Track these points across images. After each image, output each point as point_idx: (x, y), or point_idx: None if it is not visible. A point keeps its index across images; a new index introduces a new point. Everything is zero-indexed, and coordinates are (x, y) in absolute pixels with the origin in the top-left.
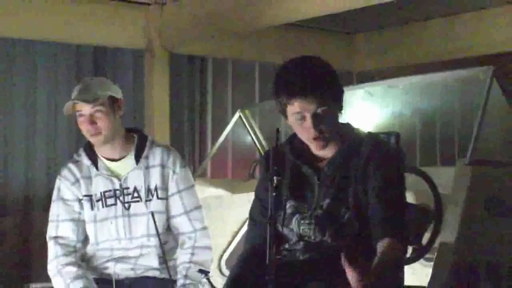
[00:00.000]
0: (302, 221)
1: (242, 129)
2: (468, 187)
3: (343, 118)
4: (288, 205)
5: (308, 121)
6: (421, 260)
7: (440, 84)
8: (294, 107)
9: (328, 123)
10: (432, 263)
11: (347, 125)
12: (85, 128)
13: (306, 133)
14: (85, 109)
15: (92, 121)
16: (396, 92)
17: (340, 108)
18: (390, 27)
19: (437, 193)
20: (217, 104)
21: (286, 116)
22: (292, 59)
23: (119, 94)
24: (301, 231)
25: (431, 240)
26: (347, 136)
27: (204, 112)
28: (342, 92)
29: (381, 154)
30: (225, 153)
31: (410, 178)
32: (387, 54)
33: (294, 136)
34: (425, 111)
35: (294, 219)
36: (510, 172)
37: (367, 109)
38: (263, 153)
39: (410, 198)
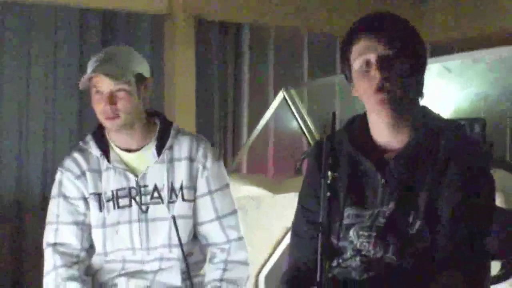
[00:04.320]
0: (361, 232)
1: (286, 113)
2: None
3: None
4: (346, 214)
5: (374, 65)
6: (510, 280)
7: None
8: (358, 47)
9: (399, 73)
10: None
11: (423, 109)
12: (101, 109)
13: (368, 84)
14: (106, 85)
15: (111, 100)
16: (480, 67)
17: (420, 75)
18: None
19: None
20: (255, 82)
21: (350, 76)
22: None
23: (147, 72)
24: (359, 244)
25: None
26: (421, 123)
27: (239, 92)
28: (425, 58)
29: (467, 153)
30: (265, 143)
31: (499, 175)
32: (468, 21)
33: (353, 121)
34: None
35: (352, 230)
36: None
37: (444, 89)
38: (312, 144)
39: (499, 200)
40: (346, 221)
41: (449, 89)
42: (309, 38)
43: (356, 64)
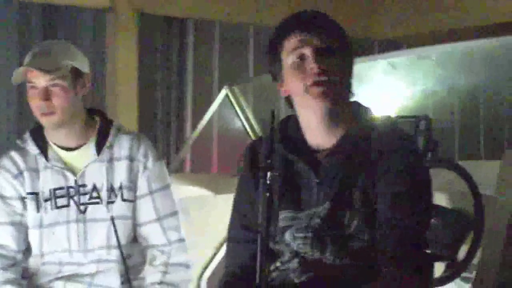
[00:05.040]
0: (296, 234)
1: (230, 111)
2: None
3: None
4: (281, 217)
5: (309, 58)
6: (457, 280)
7: (483, 54)
8: (291, 43)
9: (334, 67)
10: (470, 285)
11: (354, 105)
12: (35, 104)
13: (303, 78)
14: (40, 80)
15: (46, 96)
16: (427, 64)
17: (351, 72)
18: None
19: (478, 194)
20: (199, 79)
21: (279, 74)
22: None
23: (86, 67)
24: (296, 246)
25: (470, 255)
26: (353, 120)
27: (182, 88)
28: (352, 56)
29: (399, 148)
30: (209, 142)
31: (445, 175)
32: (416, 17)
33: (286, 121)
34: (465, 88)
35: (288, 233)
36: None
37: (390, 86)
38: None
39: (443, 200)
40: (281, 224)
41: (395, 86)
42: (254, 34)
43: (289, 59)
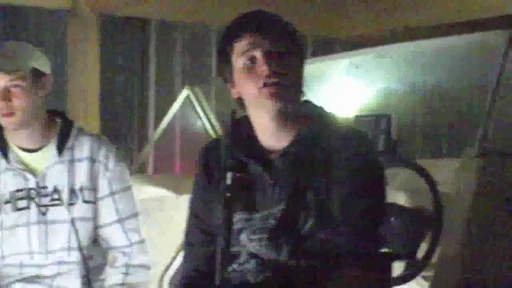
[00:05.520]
0: (252, 236)
1: (193, 111)
2: (477, 184)
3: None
4: (236, 219)
5: (260, 61)
6: (417, 278)
7: (446, 52)
8: (241, 45)
9: (285, 68)
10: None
11: (307, 105)
12: None
13: (255, 80)
14: (0, 80)
15: (5, 97)
16: (388, 63)
17: (302, 72)
18: None
19: (437, 193)
20: (162, 79)
21: (230, 76)
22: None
23: (46, 68)
24: (252, 247)
25: (429, 253)
26: (305, 119)
27: (145, 90)
28: (304, 56)
29: (352, 146)
30: (171, 142)
31: (405, 174)
32: (378, 16)
33: (237, 122)
34: (427, 87)
35: (243, 235)
36: None
37: (352, 85)
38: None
39: (403, 199)
40: (236, 226)
41: (356, 85)
42: (217, 34)
43: (240, 62)
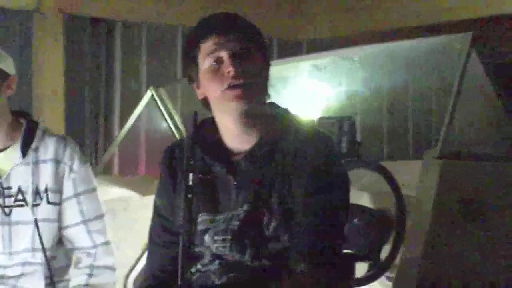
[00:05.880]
0: (216, 237)
1: (156, 113)
2: (437, 186)
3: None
4: (200, 219)
5: (226, 62)
6: (382, 279)
7: (410, 55)
8: (208, 46)
9: (251, 70)
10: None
11: (271, 106)
12: None
13: (220, 81)
14: None
15: None
16: (351, 65)
17: (268, 74)
18: None
19: (400, 194)
20: (127, 80)
21: (196, 77)
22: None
23: (11, 69)
24: (215, 248)
25: (392, 254)
26: (270, 121)
27: (110, 91)
28: (269, 58)
29: (315, 148)
30: (136, 143)
31: (368, 176)
32: (343, 19)
33: (202, 125)
34: (391, 89)
35: (207, 235)
36: (492, 167)
37: (316, 87)
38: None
39: (367, 201)
40: (200, 227)
41: (320, 87)
42: (182, 35)
43: (206, 62)
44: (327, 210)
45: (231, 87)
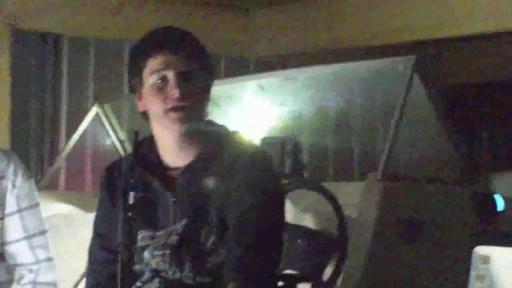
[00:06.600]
0: (155, 252)
1: (101, 129)
2: (379, 207)
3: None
4: (139, 237)
5: (171, 82)
6: None
7: (354, 76)
8: (154, 63)
9: (196, 91)
10: None
11: (208, 123)
12: None
13: (163, 101)
14: None
15: None
16: (295, 85)
17: (210, 92)
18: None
19: (342, 215)
20: (74, 95)
21: (139, 89)
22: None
23: None
24: (155, 264)
25: (334, 275)
26: (208, 138)
27: (57, 105)
28: (212, 74)
29: (251, 165)
30: (81, 159)
31: (311, 196)
32: (290, 38)
33: (140, 143)
34: (336, 110)
35: (147, 251)
36: (431, 189)
37: (260, 107)
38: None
39: (309, 221)
40: (140, 243)
41: (264, 107)
42: (130, 50)
43: (151, 79)
44: (260, 226)
45: (174, 108)
